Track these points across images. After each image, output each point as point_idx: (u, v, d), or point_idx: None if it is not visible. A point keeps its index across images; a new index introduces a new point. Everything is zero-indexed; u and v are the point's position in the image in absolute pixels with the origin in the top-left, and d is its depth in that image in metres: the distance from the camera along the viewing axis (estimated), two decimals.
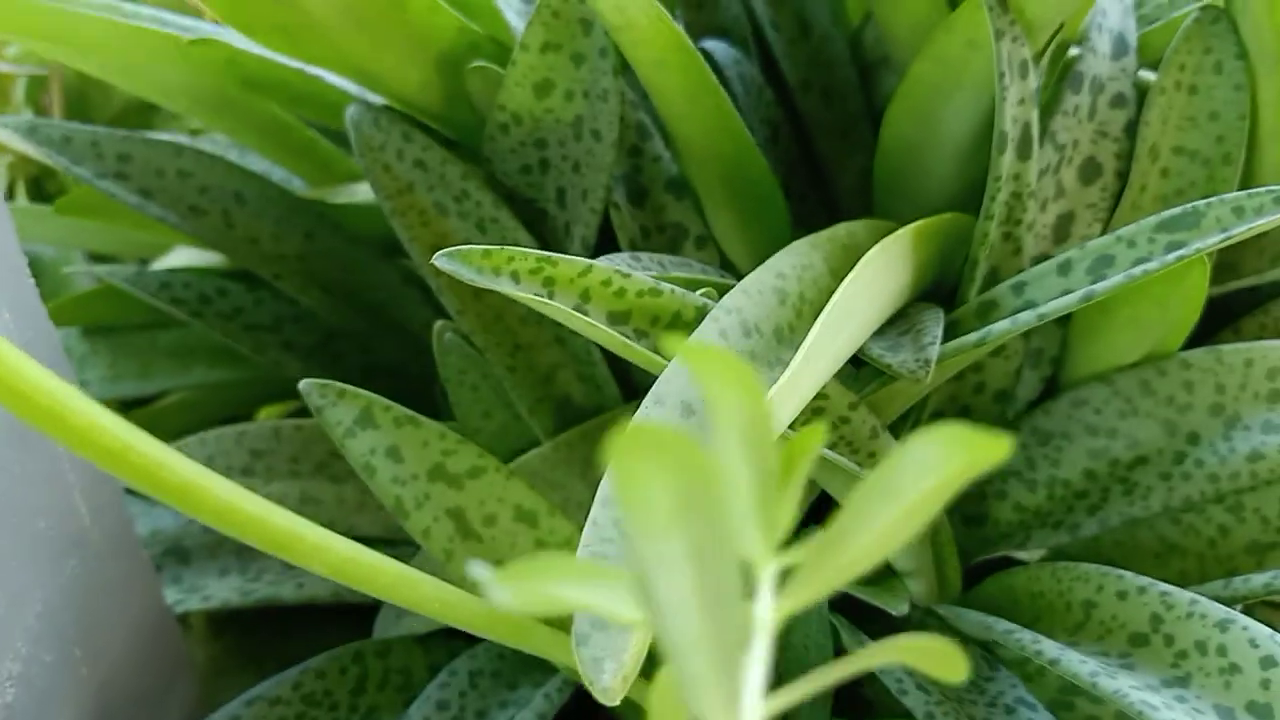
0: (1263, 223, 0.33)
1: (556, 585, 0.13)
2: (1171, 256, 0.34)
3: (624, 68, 0.41)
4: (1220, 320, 0.45)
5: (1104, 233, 0.43)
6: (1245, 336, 0.45)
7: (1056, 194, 0.43)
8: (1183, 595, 0.35)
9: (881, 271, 0.37)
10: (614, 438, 0.12)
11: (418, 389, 0.51)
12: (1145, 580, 0.37)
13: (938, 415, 0.44)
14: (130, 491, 0.42)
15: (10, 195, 0.63)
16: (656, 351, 0.35)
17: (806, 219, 0.50)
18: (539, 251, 0.32)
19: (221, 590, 0.46)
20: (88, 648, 0.39)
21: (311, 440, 0.48)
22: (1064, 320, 0.44)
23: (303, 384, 0.37)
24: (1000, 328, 0.36)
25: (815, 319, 0.34)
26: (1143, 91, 0.43)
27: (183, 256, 0.55)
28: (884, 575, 0.43)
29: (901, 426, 0.45)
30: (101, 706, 0.40)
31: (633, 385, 0.45)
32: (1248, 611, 0.37)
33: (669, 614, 0.12)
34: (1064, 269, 0.37)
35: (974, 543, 0.45)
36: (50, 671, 0.37)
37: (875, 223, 0.41)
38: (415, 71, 0.43)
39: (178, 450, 0.49)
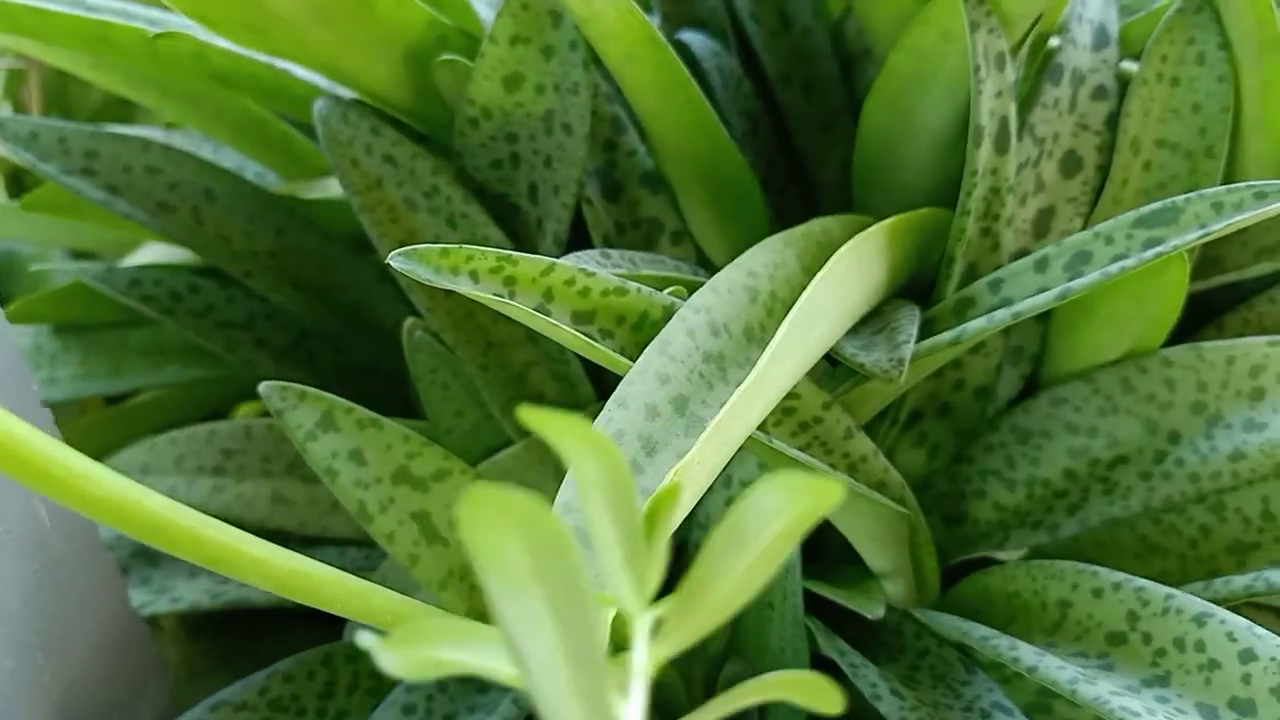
0: (1242, 219, 0.33)
1: (438, 648, 0.13)
2: (1149, 253, 0.34)
3: (596, 61, 0.41)
4: (1204, 316, 0.44)
5: (1085, 227, 0.42)
6: (1228, 333, 0.44)
7: (1036, 188, 0.42)
8: (1158, 590, 0.35)
9: (854, 269, 0.36)
10: (462, 504, 0.12)
11: (392, 387, 0.50)
12: (1120, 576, 0.36)
13: (917, 413, 0.44)
14: None
15: None
16: (623, 351, 0.34)
17: (786, 213, 0.49)
18: (498, 250, 0.32)
19: (190, 592, 0.45)
20: (50, 653, 0.39)
21: (284, 439, 0.47)
22: (1044, 317, 0.43)
23: (263, 386, 0.36)
24: (975, 326, 0.35)
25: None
26: (1124, 83, 0.42)
27: (154, 252, 0.54)
28: (861, 577, 0.42)
29: (881, 423, 0.44)
30: (66, 711, 0.39)
31: (606, 384, 0.44)
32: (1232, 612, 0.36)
33: (535, 668, 0.11)
34: (1041, 265, 0.36)
35: (953, 543, 0.44)
36: (11, 678, 0.37)
37: (851, 218, 0.41)
38: (383, 66, 0.42)
39: (150, 449, 0.49)
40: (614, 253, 0.38)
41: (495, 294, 0.32)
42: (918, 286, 0.42)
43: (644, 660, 0.13)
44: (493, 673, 0.13)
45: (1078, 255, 0.36)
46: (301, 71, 0.45)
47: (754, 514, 0.14)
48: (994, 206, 0.39)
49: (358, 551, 0.47)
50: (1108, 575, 0.36)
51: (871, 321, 0.39)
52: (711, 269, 0.43)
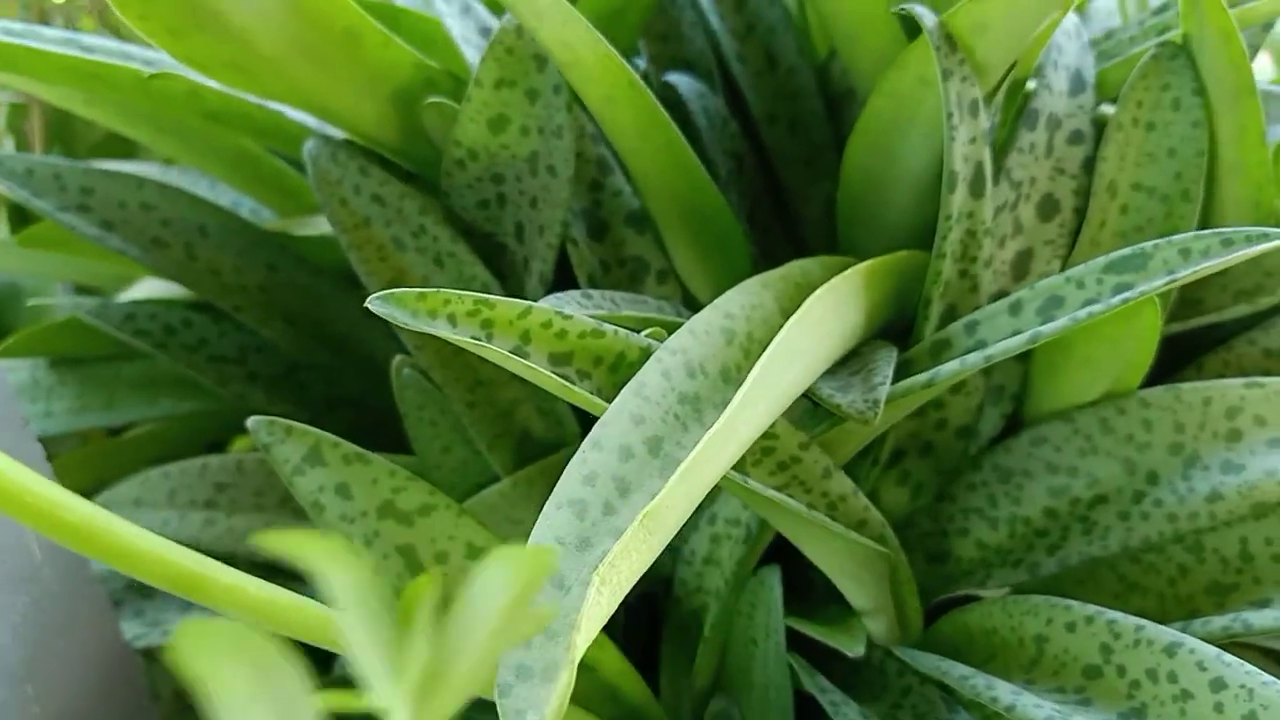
0: (1209, 265, 0.33)
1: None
2: (1118, 299, 0.34)
3: (581, 104, 0.41)
4: (1184, 357, 0.45)
5: (1064, 268, 0.43)
6: (1208, 374, 0.45)
7: (1015, 230, 0.42)
8: (1129, 622, 0.35)
9: (830, 311, 0.37)
10: (180, 637, 0.14)
11: (383, 419, 0.50)
12: (1092, 609, 0.36)
13: (900, 452, 0.44)
14: None
15: None
16: (600, 392, 0.34)
17: (771, 250, 0.49)
18: (475, 294, 0.32)
19: None
20: (40, 685, 0.39)
21: (275, 474, 0.48)
22: (1024, 357, 0.43)
23: (251, 421, 0.37)
24: (949, 369, 0.36)
25: None
26: (1101, 127, 0.43)
27: (150, 287, 0.55)
28: (843, 615, 0.43)
29: (864, 462, 0.44)
30: None
31: (592, 420, 0.45)
32: None
33: None
34: (1015, 309, 0.37)
35: (936, 581, 0.44)
36: (1, 709, 0.37)
37: (831, 260, 0.41)
38: (371, 106, 0.43)
39: (142, 483, 0.50)
40: (595, 293, 0.39)
41: (473, 337, 0.32)
42: (898, 327, 0.43)
43: None
44: None
45: (1050, 299, 0.36)
46: (292, 112, 0.46)
47: (480, 593, 0.16)
48: (971, 249, 0.40)
49: None
50: (1081, 609, 0.37)
51: (850, 363, 0.39)
52: (696, 308, 0.43)
